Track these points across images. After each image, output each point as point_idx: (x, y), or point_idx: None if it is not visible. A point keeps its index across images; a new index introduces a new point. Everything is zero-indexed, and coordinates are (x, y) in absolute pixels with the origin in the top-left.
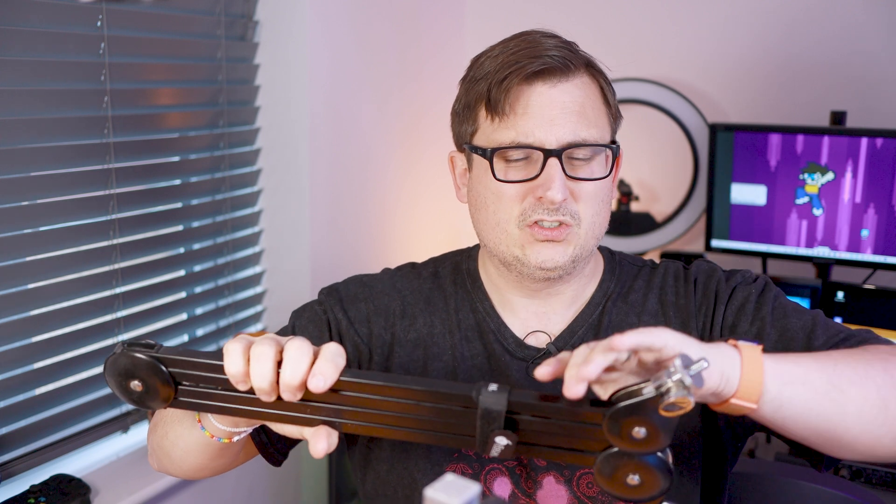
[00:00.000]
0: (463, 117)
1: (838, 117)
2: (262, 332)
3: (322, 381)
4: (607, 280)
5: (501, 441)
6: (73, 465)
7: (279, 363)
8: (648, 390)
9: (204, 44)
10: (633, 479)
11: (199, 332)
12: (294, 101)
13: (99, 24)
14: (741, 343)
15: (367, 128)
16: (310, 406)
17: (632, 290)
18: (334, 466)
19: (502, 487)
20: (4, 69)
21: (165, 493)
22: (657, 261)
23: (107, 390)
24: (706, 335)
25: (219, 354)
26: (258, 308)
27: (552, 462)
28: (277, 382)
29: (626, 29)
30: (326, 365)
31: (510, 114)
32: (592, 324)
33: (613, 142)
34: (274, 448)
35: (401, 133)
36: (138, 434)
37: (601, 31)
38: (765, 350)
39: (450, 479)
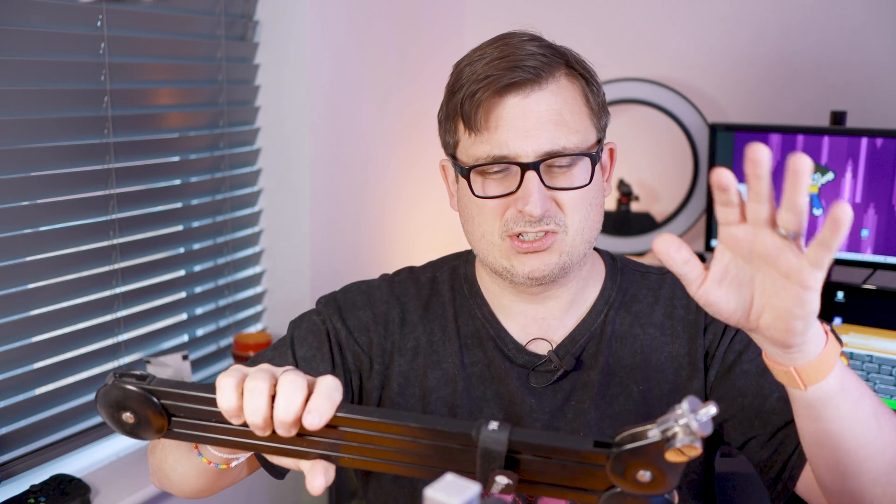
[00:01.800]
0: (445, 128)
1: (838, 117)
2: (262, 332)
3: (317, 418)
4: (609, 287)
5: (502, 480)
6: (73, 465)
7: (274, 397)
8: (654, 433)
9: (204, 44)
10: None
11: (199, 332)
12: (294, 101)
13: (99, 24)
14: (829, 329)
15: (367, 128)
16: (306, 440)
17: (636, 299)
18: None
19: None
20: (4, 69)
21: (165, 493)
22: (657, 268)
23: None
24: (707, 361)
25: (211, 388)
26: (258, 308)
27: None
28: (272, 417)
29: (626, 29)
30: (322, 401)
31: (484, 128)
32: (595, 332)
33: (600, 141)
34: (273, 464)
35: (401, 133)
36: None
37: (601, 31)
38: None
39: (450, 479)
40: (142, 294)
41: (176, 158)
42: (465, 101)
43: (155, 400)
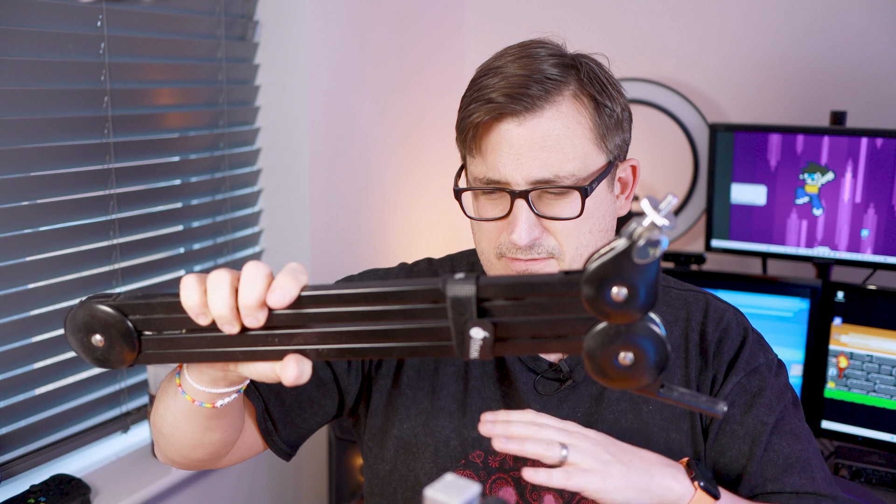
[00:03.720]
0: (458, 140)
1: (838, 117)
2: None
3: (281, 294)
4: None
5: (478, 334)
6: (73, 465)
7: (237, 290)
8: (619, 242)
9: (204, 44)
10: (626, 357)
11: None
12: (294, 101)
13: (99, 24)
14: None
15: (367, 128)
16: (277, 335)
17: None
18: (334, 466)
19: (508, 496)
20: (4, 69)
21: (165, 493)
22: (680, 283)
23: (107, 390)
24: (714, 389)
25: (177, 294)
26: None
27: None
28: (238, 310)
29: (627, 29)
30: (286, 278)
31: (478, 153)
32: None
33: (611, 163)
34: (280, 437)
35: (401, 133)
36: (138, 434)
37: (602, 31)
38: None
39: (450, 479)
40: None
41: (176, 158)
42: (463, 121)
43: (122, 316)
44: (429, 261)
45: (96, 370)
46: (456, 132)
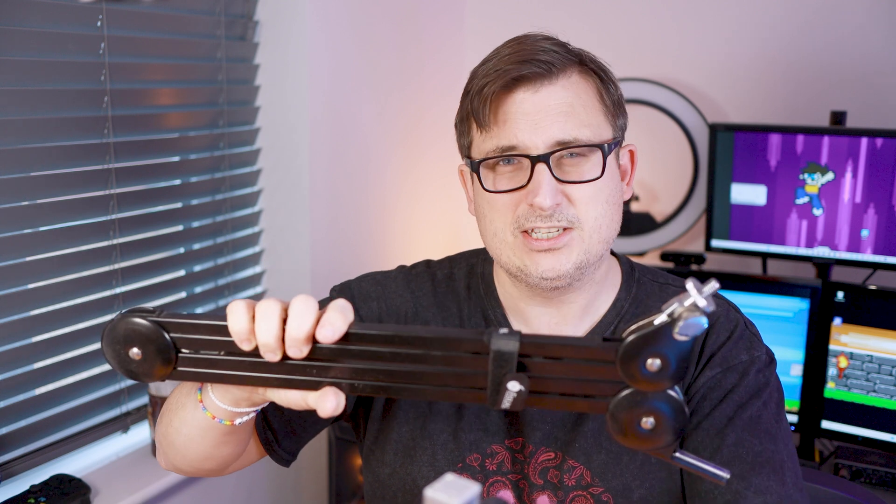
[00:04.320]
0: (460, 131)
1: (838, 117)
2: None
3: (331, 330)
4: (622, 298)
5: (514, 387)
6: (73, 465)
7: (285, 321)
8: (660, 319)
9: (204, 44)
10: (647, 422)
11: None
12: (294, 101)
13: (99, 24)
14: None
15: (367, 128)
16: (315, 367)
17: (650, 313)
18: (334, 466)
19: (505, 499)
20: (4, 69)
21: (165, 493)
22: (678, 280)
23: (107, 390)
24: (688, 380)
25: (222, 317)
26: None
27: (548, 481)
28: (283, 341)
29: (627, 28)
30: (336, 315)
31: (493, 123)
32: None
33: (616, 139)
34: (280, 447)
35: (401, 133)
36: (138, 434)
37: (602, 31)
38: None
39: (450, 479)
40: (142, 294)
41: (176, 158)
42: (474, 98)
43: (164, 332)
44: (427, 263)
45: (96, 370)
46: (459, 123)
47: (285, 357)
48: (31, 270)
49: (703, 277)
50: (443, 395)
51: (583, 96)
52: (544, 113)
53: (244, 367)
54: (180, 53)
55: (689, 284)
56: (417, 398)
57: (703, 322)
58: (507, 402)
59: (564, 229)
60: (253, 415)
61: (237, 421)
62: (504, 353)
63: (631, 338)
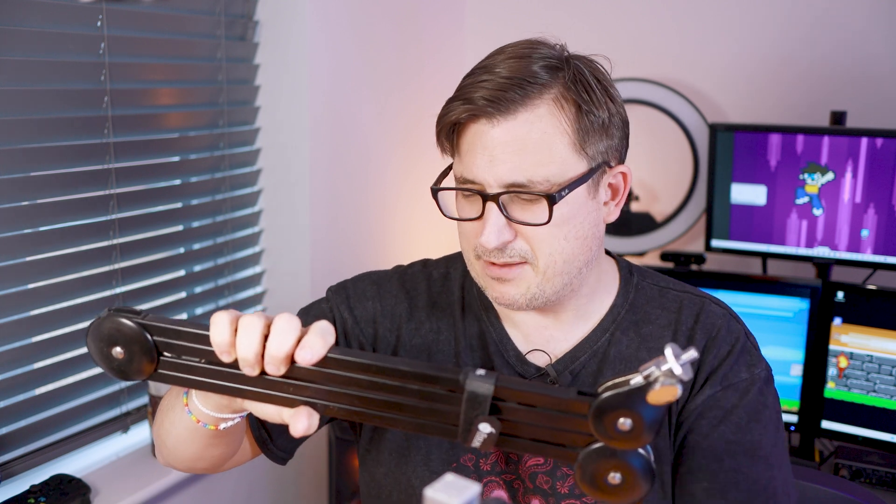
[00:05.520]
0: (438, 137)
1: (838, 117)
2: None
3: (310, 353)
4: (619, 304)
5: (485, 429)
6: (73, 465)
7: (266, 337)
8: (636, 380)
9: (204, 44)
10: (615, 477)
11: None
12: (294, 101)
13: (99, 24)
14: None
15: (367, 128)
16: (292, 385)
17: (648, 318)
18: (334, 466)
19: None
20: (4, 69)
21: (165, 493)
22: (680, 285)
23: (107, 390)
24: (688, 396)
25: (206, 326)
26: (258, 308)
27: (538, 486)
28: (263, 356)
29: (627, 28)
30: (315, 339)
31: (455, 152)
32: (597, 351)
33: (592, 170)
34: (275, 445)
35: (401, 133)
36: (138, 434)
37: (602, 31)
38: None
39: (449, 479)
40: (142, 294)
41: (176, 158)
42: (442, 118)
43: (147, 335)
44: (423, 262)
45: (96, 370)
46: (436, 129)
47: (263, 372)
48: (31, 270)
49: (703, 277)
50: (415, 426)
51: (548, 130)
52: (501, 149)
53: (223, 376)
54: (180, 53)
55: (668, 351)
56: (389, 426)
57: (678, 391)
58: (477, 442)
59: (517, 263)
60: (238, 420)
61: (221, 426)
62: (478, 396)
63: (605, 395)
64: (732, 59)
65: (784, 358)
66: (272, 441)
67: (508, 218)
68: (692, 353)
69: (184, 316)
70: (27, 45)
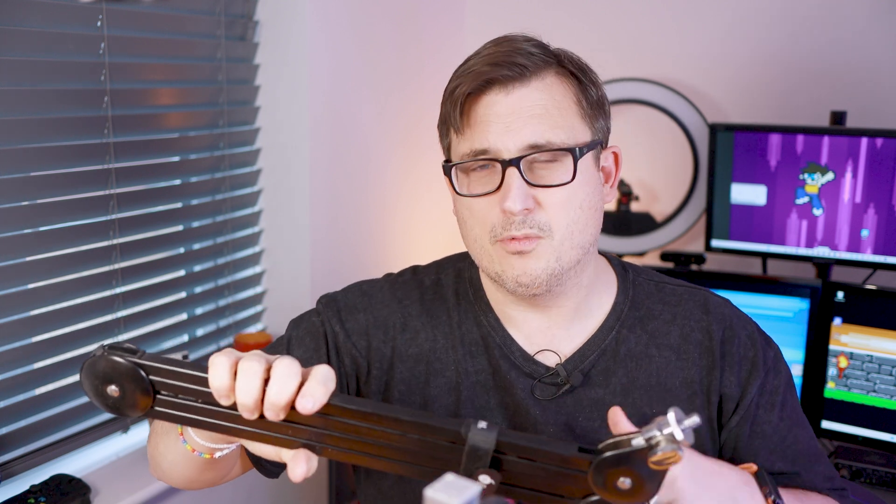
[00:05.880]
0: (441, 132)
1: (838, 117)
2: (262, 332)
3: (311, 402)
4: (621, 302)
5: (485, 480)
6: (73, 465)
7: (266, 381)
8: (638, 441)
9: (204, 44)
10: None
11: (199, 331)
12: (294, 101)
13: (99, 24)
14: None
15: (367, 128)
16: (291, 427)
17: (651, 314)
18: (334, 467)
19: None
20: (4, 69)
21: (165, 493)
22: (673, 279)
23: None
24: (730, 402)
25: (204, 367)
26: (258, 308)
27: None
28: (262, 401)
29: (627, 28)
30: (317, 386)
31: (466, 126)
32: (606, 350)
33: (595, 141)
34: (269, 463)
35: (401, 133)
36: (138, 434)
37: (602, 31)
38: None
39: (450, 479)
40: (142, 294)
41: (176, 158)
42: (447, 101)
43: (143, 374)
44: (413, 269)
45: None
46: (440, 125)
47: (262, 415)
48: (31, 270)
49: (703, 277)
50: (414, 472)
51: (558, 98)
52: (516, 115)
53: (221, 416)
54: (180, 53)
55: (671, 415)
56: (388, 470)
57: (680, 457)
58: None
59: (535, 237)
60: (233, 448)
61: (216, 455)
62: (479, 449)
63: (606, 454)
64: (733, 59)
65: (784, 358)
66: (266, 460)
67: (529, 183)
68: (694, 419)
69: (183, 316)
70: (27, 45)
